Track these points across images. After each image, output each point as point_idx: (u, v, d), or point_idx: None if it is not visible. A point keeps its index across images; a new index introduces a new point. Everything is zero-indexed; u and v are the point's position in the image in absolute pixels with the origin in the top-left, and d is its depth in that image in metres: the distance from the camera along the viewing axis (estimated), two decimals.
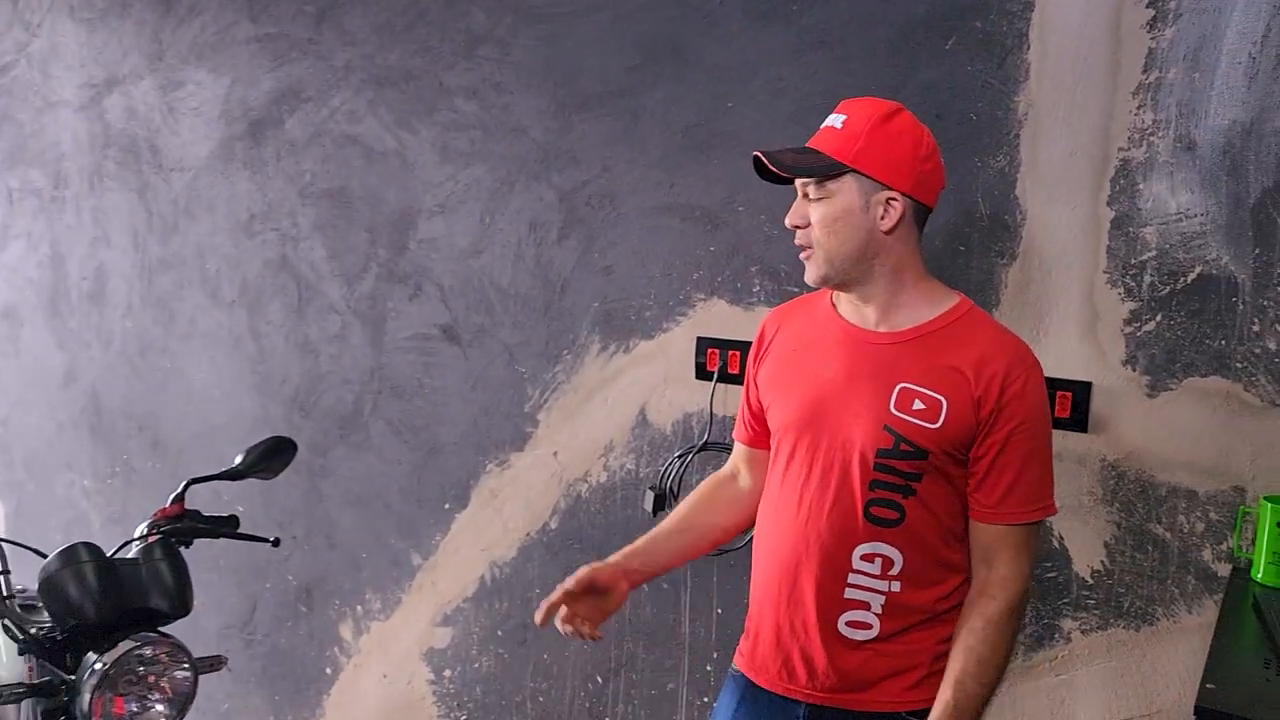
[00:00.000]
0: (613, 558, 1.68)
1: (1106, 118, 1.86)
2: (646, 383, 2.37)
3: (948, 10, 1.97)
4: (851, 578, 1.53)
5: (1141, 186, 1.84)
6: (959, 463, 1.51)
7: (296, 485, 2.90)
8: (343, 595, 2.88)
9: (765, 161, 1.51)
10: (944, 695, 1.49)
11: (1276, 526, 1.69)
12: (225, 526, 2.07)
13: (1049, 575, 1.97)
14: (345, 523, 2.85)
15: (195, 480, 2.01)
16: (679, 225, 2.28)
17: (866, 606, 1.53)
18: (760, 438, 1.73)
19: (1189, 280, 1.82)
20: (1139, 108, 1.83)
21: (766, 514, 1.65)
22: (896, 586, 1.53)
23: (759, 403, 1.70)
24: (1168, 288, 1.84)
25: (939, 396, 1.48)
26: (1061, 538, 1.96)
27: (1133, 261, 1.86)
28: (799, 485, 1.57)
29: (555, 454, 2.51)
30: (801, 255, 1.55)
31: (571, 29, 2.38)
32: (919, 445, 1.48)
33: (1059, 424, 1.92)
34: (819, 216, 1.51)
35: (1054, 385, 1.91)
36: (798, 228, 1.54)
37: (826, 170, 1.49)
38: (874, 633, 1.54)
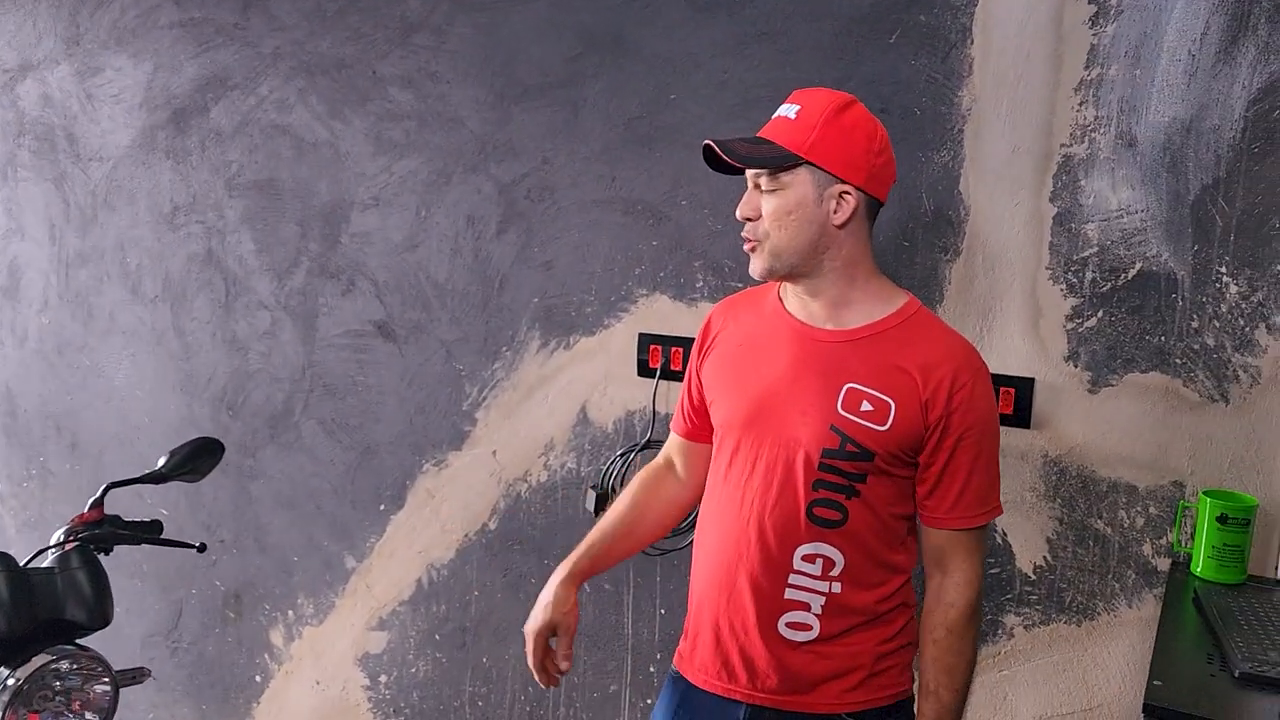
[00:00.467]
0: (558, 574, 1.63)
1: (1049, 114, 1.86)
2: (588, 380, 2.33)
3: (892, 3, 1.96)
4: (792, 578, 1.51)
5: (1083, 183, 1.85)
6: (905, 464, 1.49)
7: (224, 487, 2.80)
8: (273, 600, 2.79)
9: (717, 151, 1.47)
10: (923, 711, 1.51)
11: (1215, 521, 1.71)
12: (147, 533, 1.98)
13: (992, 571, 1.97)
14: (276, 525, 2.76)
15: (115, 484, 1.93)
16: (621, 219, 2.24)
17: (807, 607, 1.51)
18: (698, 431, 1.70)
19: (1130, 277, 1.83)
20: (1081, 104, 1.84)
21: (708, 512, 1.62)
22: (837, 587, 1.50)
23: (700, 396, 1.67)
24: (1109, 284, 1.84)
25: (887, 399, 1.46)
26: (1005, 534, 1.96)
27: (1075, 258, 1.86)
28: (741, 483, 1.54)
29: (494, 453, 2.45)
30: (746, 247, 1.52)
31: (509, 17, 2.32)
32: (865, 447, 1.46)
33: (1003, 420, 1.91)
34: (771, 209, 1.47)
35: (997, 382, 1.92)
36: (748, 219, 1.50)
37: (781, 161, 1.45)
38: (814, 634, 1.51)
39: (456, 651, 2.56)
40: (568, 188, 2.30)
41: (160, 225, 2.81)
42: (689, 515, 1.81)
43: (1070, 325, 1.88)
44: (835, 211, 1.47)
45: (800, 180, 1.46)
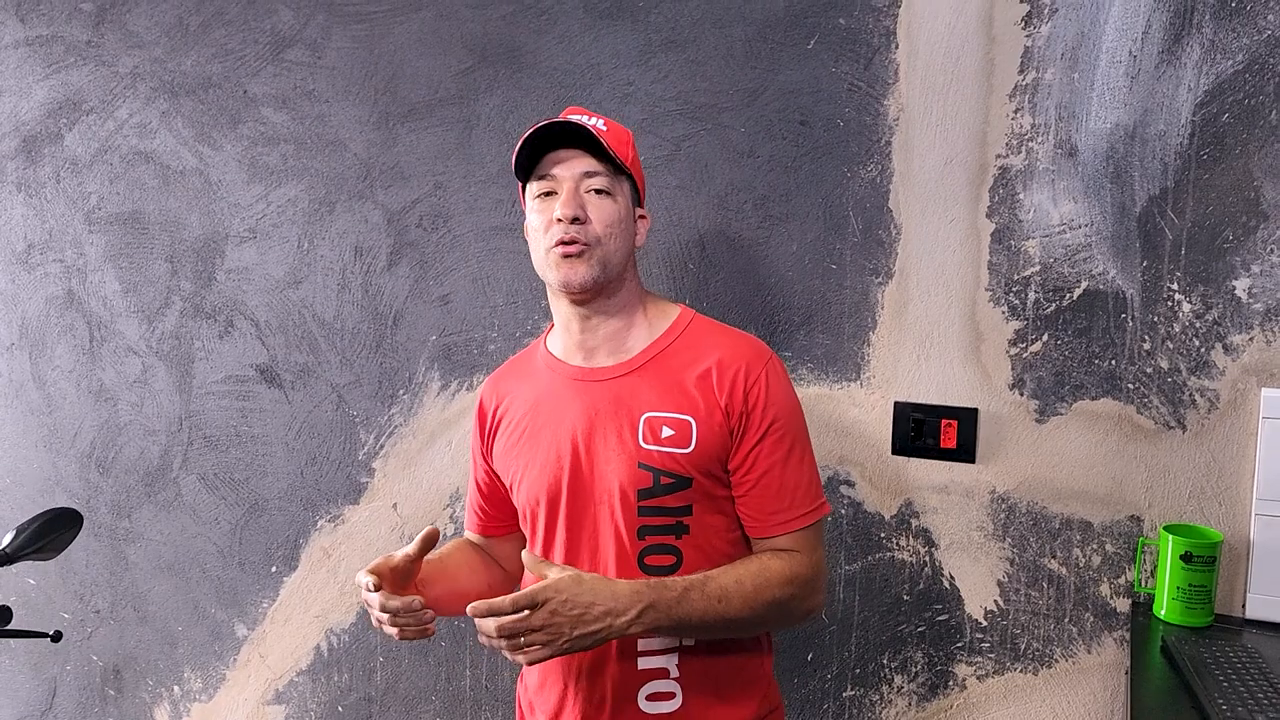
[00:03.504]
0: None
1: (982, 122, 1.71)
2: (470, 428, 2.12)
3: (808, 6, 1.80)
4: (642, 643, 1.39)
5: (1022, 196, 1.70)
6: (723, 482, 1.38)
7: (98, 553, 2.53)
8: (157, 675, 2.52)
9: (597, 135, 1.34)
10: (682, 579, 1.32)
11: (1179, 560, 1.57)
12: None
13: (940, 619, 1.82)
14: (156, 593, 2.49)
15: None
16: (522, 247, 2.04)
17: (665, 673, 1.40)
18: (493, 524, 1.59)
19: (1075, 296, 1.69)
20: (1016, 111, 1.69)
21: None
22: (689, 640, 1.40)
23: (492, 484, 1.55)
24: (1053, 305, 1.70)
25: (686, 418, 1.36)
26: (952, 578, 1.80)
27: (1015, 278, 1.72)
28: (563, 559, 1.42)
29: (395, 506, 2.23)
30: (570, 250, 1.35)
31: (391, 29, 2.11)
32: (679, 474, 1.36)
33: (947, 455, 1.77)
34: (607, 214, 1.37)
35: (938, 413, 1.77)
36: (576, 220, 1.35)
37: (622, 166, 1.37)
38: (677, 703, 1.40)
39: None
40: (463, 214, 2.09)
41: (13, 265, 2.53)
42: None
43: (1014, 350, 1.73)
44: (638, 234, 1.44)
45: (625, 192, 1.40)
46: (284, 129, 2.22)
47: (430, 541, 1.36)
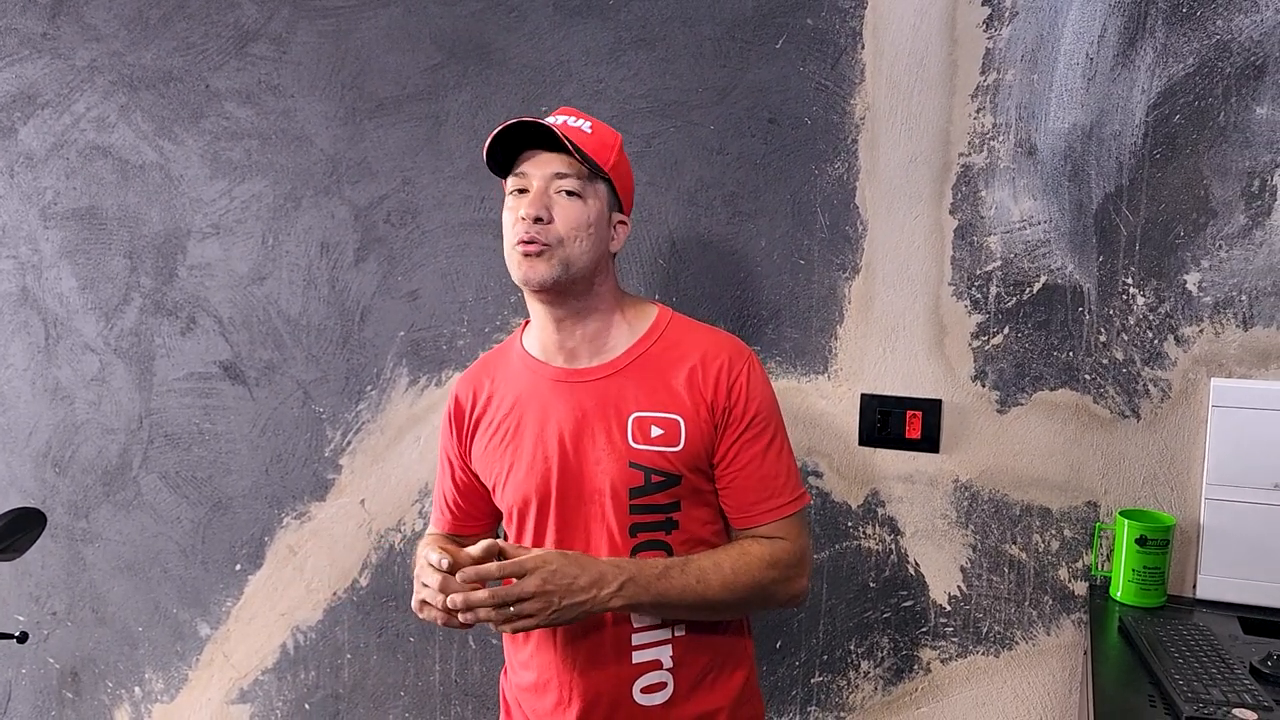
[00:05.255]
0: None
1: (946, 121, 1.76)
2: (443, 425, 2.13)
3: (776, 6, 1.83)
4: (635, 637, 1.43)
5: (984, 193, 1.76)
6: (707, 477, 1.43)
7: (54, 553, 2.49)
8: (116, 676, 2.49)
9: (563, 136, 1.35)
10: (663, 560, 1.37)
11: (1135, 544, 1.63)
12: None
13: (905, 604, 1.87)
14: (116, 593, 2.46)
15: None
16: (492, 243, 2.05)
17: (659, 665, 1.43)
18: (465, 522, 1.60)
19: (1035, 290, 1.75)
20: (978, 111, 1.74)
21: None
22: (681, 630, 1.44)
23: (467, 482, 1.56)
24: (1014, 299, 1.76)
25: (674, 416, 1.40)
26: (917, 564, 1.86)
27: (978, 272, 1.77)
28: None
29: (362, 502, 2.23)
30: (530, 248, 1.36)
31: (358, 24, 2.11)
32: (669, 472, 1.40)
33: (911, 445, 1.82)
34: (574, 217, 1.37)
35: (904, 405, 1.82)
36: (539, 220, 1.36)
37: (598, 168, 1.38)
38: (669, 693, 1.43)
39: None
40: (432, 210, 2.10)
41: None
42: None
43: (976, 343, 1.79)
44: (613, 239, 1.44)
45: (600, 196, 1.41)
46: (248, 124, 2.21)
47: (490, 553, 1.30)
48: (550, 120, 1.41)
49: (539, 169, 1.38)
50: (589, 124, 1.42)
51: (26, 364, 2.46)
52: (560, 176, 1.37)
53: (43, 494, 2.49)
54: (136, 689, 2.48)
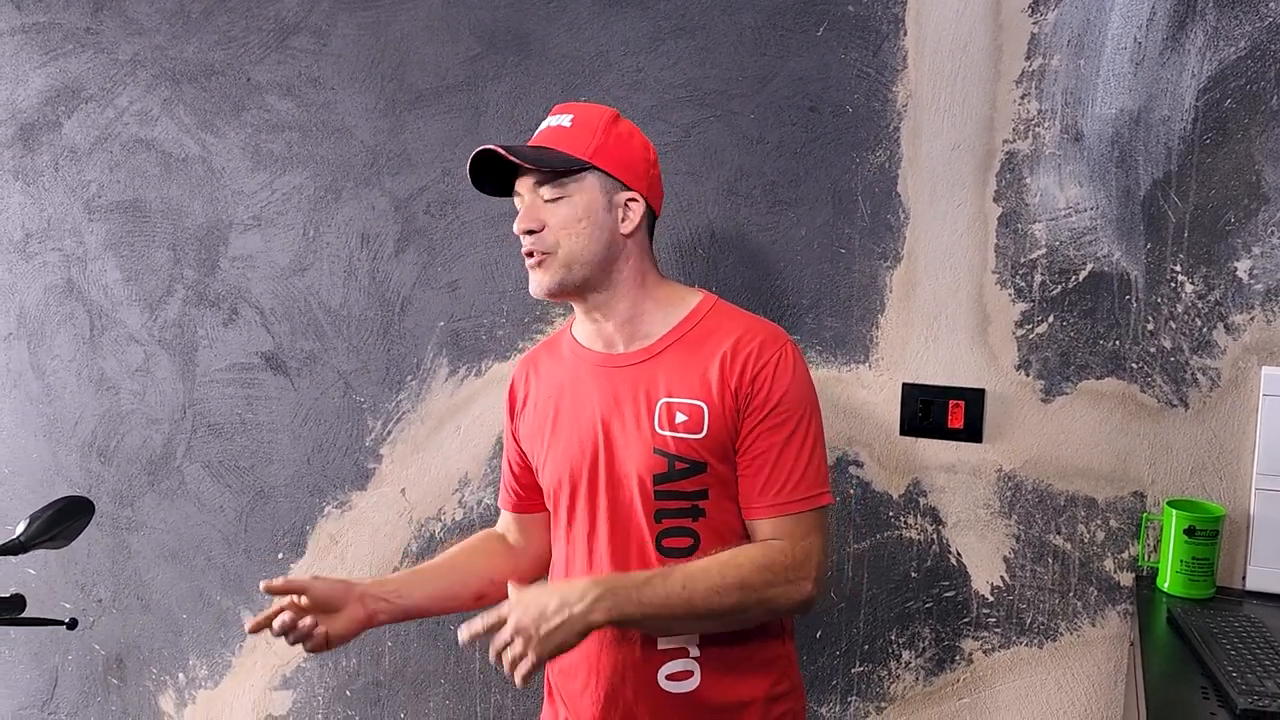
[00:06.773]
0: (364, 582, 1.46)
1: (990, 108, 1.75)
2: (502, 408, 2.13)
3: None
4: None
5: (1028, 180, 1.74)
6: (735, 466, 1.41)
7: (99, 542, 2.52)
8: (161, 663, 2.52)
9: (502, 155, 1.37)
10: (646, 571, 1.35)
11: (1183, 534, 1.62)
12: (6, 610, 1.74)
13: (948, 595, 1.86)
14: (160, 581, 2.49)
15: None
16: None
17: (685, 653, 1.42)
18: (526, 502, 1.61)
19: (1080, 278, 1.73)
20: (1023, 97, 1.73)
21: (557, 579, 1.51)
22: None
23: (523, 464, 1.58)
24: (1059, 287, 1.74)
25: (698, 403, 1.39)
26: (959, 554, 1.85)
27: (1022, 260, 1.76)
28: (585, 540, 1.46)
29: (403, 491, 2.25)
30: (530, 264, 1.42)
31: (397, 16, 2.11)
32: (693, 459, 1.38)
33: (954, 435, 1.80)
34: (559, 218, 1.39)
35: (946, 394, 1.81)
36: (530, 233, 1.40)
37: (569, 164, 1.38)
38: (695, 682, 1.42)
39: (371, 708, 2.34)
40: (472, 201, 2.10)
41: (11, 254, 2.51)
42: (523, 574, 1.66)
43: (1020, 332, 1.77)
44: (623, 220, 1.42)
45: (588, 186, 1.40)
46: (289, 116, 2.23)
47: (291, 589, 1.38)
48: (542, 126, 1.45)
49: (524, 185, 1.43)
50: (570, 117, 1.42)
51: (72, 355, 2.49)
52: (539, 185, 1.40)
53: (88, 483, 2.52)
54: (181, 675, 2.51)
